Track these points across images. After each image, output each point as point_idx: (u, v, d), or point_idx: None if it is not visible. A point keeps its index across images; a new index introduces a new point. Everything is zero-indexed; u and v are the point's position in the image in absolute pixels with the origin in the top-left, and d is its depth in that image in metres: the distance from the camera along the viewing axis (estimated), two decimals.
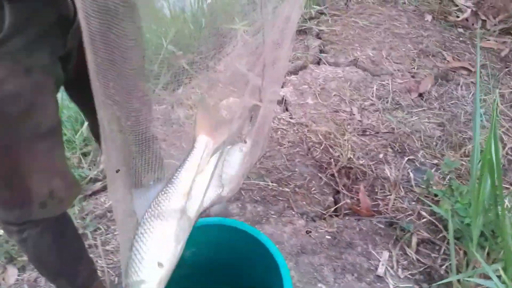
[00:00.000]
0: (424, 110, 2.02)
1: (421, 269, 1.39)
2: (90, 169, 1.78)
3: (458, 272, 1.29)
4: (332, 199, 1.64)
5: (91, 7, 0.49)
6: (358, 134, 1.90)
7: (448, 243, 1.39)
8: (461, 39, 2.51)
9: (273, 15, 0.81)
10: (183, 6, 2.63)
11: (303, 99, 2.08)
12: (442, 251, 1.43)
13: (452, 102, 2.06)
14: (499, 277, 1.14)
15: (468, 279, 1.19)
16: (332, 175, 1.73)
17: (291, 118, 1.98)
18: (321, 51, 2.42)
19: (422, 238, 1.48)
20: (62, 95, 1.43)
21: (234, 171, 0.84)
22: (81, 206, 1.60)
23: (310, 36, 2.53)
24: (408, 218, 1.53)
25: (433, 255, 1.43)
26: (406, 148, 1.83)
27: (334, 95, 2.10)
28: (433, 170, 1.70)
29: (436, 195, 1.57)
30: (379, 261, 1.41)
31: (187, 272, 1.05)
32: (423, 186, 1.63)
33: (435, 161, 1.77)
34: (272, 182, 1.67)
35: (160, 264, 0.70)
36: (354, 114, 1.99)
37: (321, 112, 2.01)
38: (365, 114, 2.00)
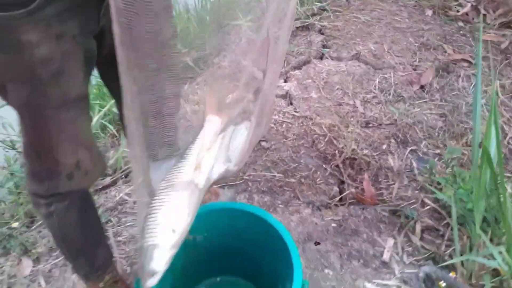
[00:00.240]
0: (425, 101, 2.05)
1: (426, 255, 1.42)
2: None
3: (462, 255, 1.32)
4: (337, 189, 1.68)
5: None
6: (361, 126, 1.94)
7: (451, 229, 1.42)
8: (461, 32, 2.54)
9: None
10: (187, 4, 2.67)
11: (307, 93, 2.11)
12: (446, 237, 1.47)
13: (453, 93, 2.09)
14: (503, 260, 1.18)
15: (473, 257, 1.22)
16: (337, 166, 1.76)
17: (295, 111, 2.02)
18: (324, 46, 2.45)
19: (426, 225, 1.51)
20: None
21: (240, 147, 0.90)
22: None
23: (312, 32, 2.56)
24: (412, 206, 1.57)
25: (437, 241, 1.46)
26: (409, 138, 1.86)
27: (337, 88, 2.13)
28: (435, 160, 1.74)
29: (439, 183, 1.60)
30: (384, 247, 1.45)
31: (200, 257, 1.10)
32: (426, 175, 1.66)
33: (438, 151, 1.80)
34: (278, 173, 1.71)
35: (173, 231, 0.76)
36: (357, 107, 2.03)
37: (325, 105, 2.04)
38: (368, 107, 2.03)
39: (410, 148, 1.82)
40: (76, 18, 0.78)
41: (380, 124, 1.94)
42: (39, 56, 0.75)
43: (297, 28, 2.59)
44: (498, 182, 1.26)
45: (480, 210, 1.33)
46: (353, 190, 1.66)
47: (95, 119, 1.94)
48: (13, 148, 1.98)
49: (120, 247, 1.44)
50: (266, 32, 0.92)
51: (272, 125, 1.98)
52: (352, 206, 1.60)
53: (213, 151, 0.86)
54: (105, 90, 2.06)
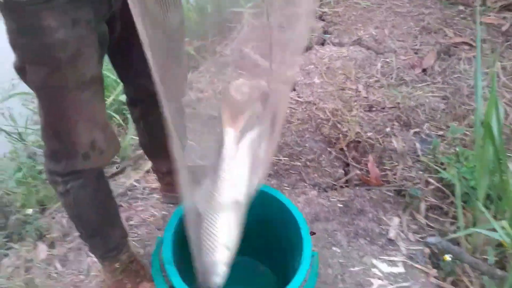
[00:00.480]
0: (428, 84, 2.08)
1: (431, 232, 1.46)
2: None
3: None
4: (342, 171, 1.71)
5: None
6: (364, 110, 1.96)
7: (455, 207, 1.45)
8: (461, 16, 2.54)
9: None
10: None
11: (310, 79, 2.14)
12: (450, 215, 1.50)
13: (455, 76, 2.11)
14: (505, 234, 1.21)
15: (477, 230, 1.26)
16: (341, 149, 1.79)
17: (299, 97, 2.04)
18: (325, 32, 2.47)
19: (431, 204, 1.55)
20: None
21: (262, 156, 0.96)
22: None
23: (313, 19, 2.58)
24: (416, 186, 1.60)
25: (441, 219, 1.50)
26: (412, 121, 1.89)
27: (340, 73, 2.16)
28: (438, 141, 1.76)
29: (442, 164, 1.63)
30: (390, 226, 1.48)
31: None
32: (429, 156, 1.69)
33: (440, 133, 1.83)
34: (284, 157, 1.74)
35: (227, 248, 0.89)
36: (360, 91, 2.05)
37: (328, 91, 2.06)
38: (371, 91, 2.05)
39: (413, 130, 1.85)
40: (90, 4, 0.83)
41: (383, 108, 1.97)
42: (57, 40, 0.79)
43: None
44: (501, 159, 1.29)
45: (483, 187, 1.36)
46: (358, 172, 1.69)
47: None
48: (21, 139, 2.01)
49: (133, 231, 1.47)
50: (267, 18, 0.95)
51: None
52: (357, 187, 1.63)
53: (239, 162, 0.94)
54: (109, 80, 2.08)
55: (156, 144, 1.31)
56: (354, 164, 1.72)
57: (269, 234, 1.16)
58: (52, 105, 0.90)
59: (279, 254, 1.17)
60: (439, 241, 1.30)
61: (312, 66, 2.21)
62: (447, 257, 1.25)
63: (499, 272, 1.21)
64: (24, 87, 0.98)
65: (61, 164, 0.98)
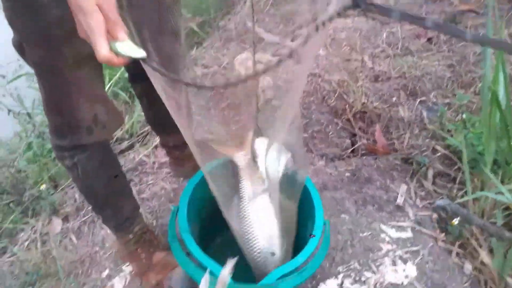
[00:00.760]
0: (433, 53, 2.06)
1: (439, 198, 1.47)
2: None
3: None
4: (349, 141, 1.72)
5: None
6: (370, 81, 1.96)
7: (463, 173, 1.46)
8: None
9: None
10: None
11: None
12: (457, 181, 1.51)
13: (460, 44, 2.10)
14: None
15: (485, 193, 1.27)
16: (348, 119, 1.80)
17: None
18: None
19: (438, 171, 1.56)
20: None
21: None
22: None
23: None
24: (423, 154, 1.61)
25: (449, 185, 1.51)
26: (418, 90, 1.89)
27: (345, 45, 2.14)
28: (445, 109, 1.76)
29: (449, 130, 1.63)
30: (398, 193, 1.50)
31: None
32: (436, 123, 1.70)
33: (447, 101, 1.83)
34: None
35: (272, 254, 0.96)
36: (365, 62, 2.04)
37: (333, 62, 2.06)
38: (376, 61, 2.05)
39: (419, 99, 1.84)
40: None
41: (389, 78, 1.96)
42: (54, 17, 0.79)
43: None
44: (507, 125, 1.29)
45: (491, 152, 1.37)
46: (365, 141, 1.70)
47: (106, 88, 1.97)
48: (30, 118, 2.03)
49: (145, 203, 1.50)
50: None
51: (282, 83, 2.00)
52: (364, 157, 1.64)
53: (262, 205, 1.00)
54: None
55: (160, 119, 1.32)
56: (361, 134, 1.73)
57: None
58: (51, 82, 0.91)
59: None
60: (448, 203, 1.31)
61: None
62: (455, 222, 1.26)
63: (507, 233, 1.22)
64: (30, 68, 0.99)
65: (66, 139, 0.99)
